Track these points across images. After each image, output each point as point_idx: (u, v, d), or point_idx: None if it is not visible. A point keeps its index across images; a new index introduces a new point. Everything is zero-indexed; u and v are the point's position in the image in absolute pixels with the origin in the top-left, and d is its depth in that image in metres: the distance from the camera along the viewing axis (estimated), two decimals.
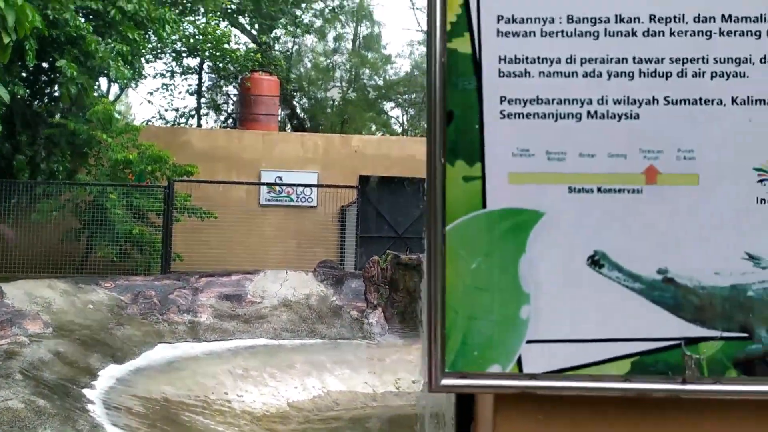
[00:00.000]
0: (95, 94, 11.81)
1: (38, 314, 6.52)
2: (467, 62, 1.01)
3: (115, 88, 15.57)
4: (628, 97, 0.99)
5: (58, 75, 10.78)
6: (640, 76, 0.99)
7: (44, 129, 11.14)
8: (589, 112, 1.00)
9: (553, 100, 1.00)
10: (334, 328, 7.41)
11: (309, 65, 18.80)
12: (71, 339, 6.29)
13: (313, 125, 17.71)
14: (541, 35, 1.00)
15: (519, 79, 1.00)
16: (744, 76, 0.99)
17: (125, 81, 11.73)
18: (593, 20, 1.00)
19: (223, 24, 14.99)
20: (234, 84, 16.11)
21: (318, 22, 17.90)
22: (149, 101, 24.58)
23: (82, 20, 10.68)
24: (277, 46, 17.38)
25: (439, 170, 1.00)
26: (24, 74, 11.17)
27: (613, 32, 1.00)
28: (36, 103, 11.83)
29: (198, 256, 10.76)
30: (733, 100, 0.99)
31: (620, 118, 1.00)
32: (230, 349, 7.06)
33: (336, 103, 18.50)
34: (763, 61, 0.98)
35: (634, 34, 0.99)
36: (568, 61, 1.00)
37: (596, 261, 1.00)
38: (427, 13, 1.01)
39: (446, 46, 1.01)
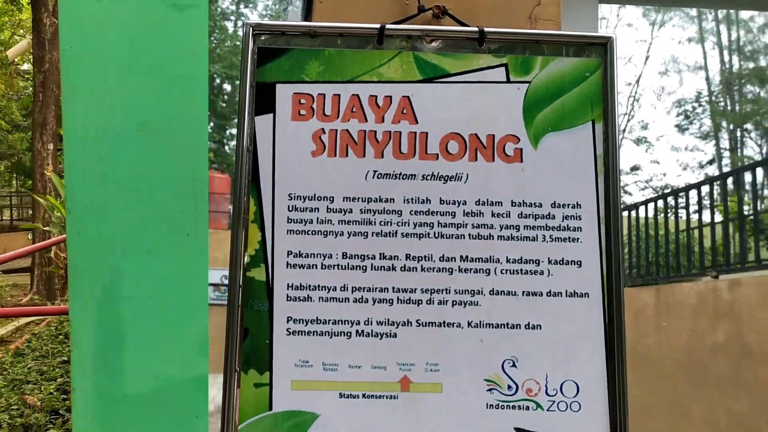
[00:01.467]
0: None
1: None
2: (262, 288, 1.25)
3: None
4: (389, 319, 1.25)
5: None
6: (398, 302, 1.25)
7: None
8: (357, 331, 1.24)
9: (329, 320, 1.24)
10: None
11: None
12: None
13: None
14: (321, 268, 1.26)
15: (303, 303, 1.25)
16: (477, 304, 1.25)
17: None
18: (362, 257, 1.26)
19: None
20: None
21: None
22: None
23: None
24: (231, 144, 17.85)
25: (234, 377, 1.22)
26: None
27: (378, 267, 1.26)
28: None
29: None
30: (469, 324, 1.25)
31: (382, 336, 1.24)
32: None
33: None
34: (491, 293, 1.26)
35: (394, 269, 1.26)
36: (342, 289, 1.25)
37: None
38: (231, 248, 1.26)
39: (246, 275, 1.25)
